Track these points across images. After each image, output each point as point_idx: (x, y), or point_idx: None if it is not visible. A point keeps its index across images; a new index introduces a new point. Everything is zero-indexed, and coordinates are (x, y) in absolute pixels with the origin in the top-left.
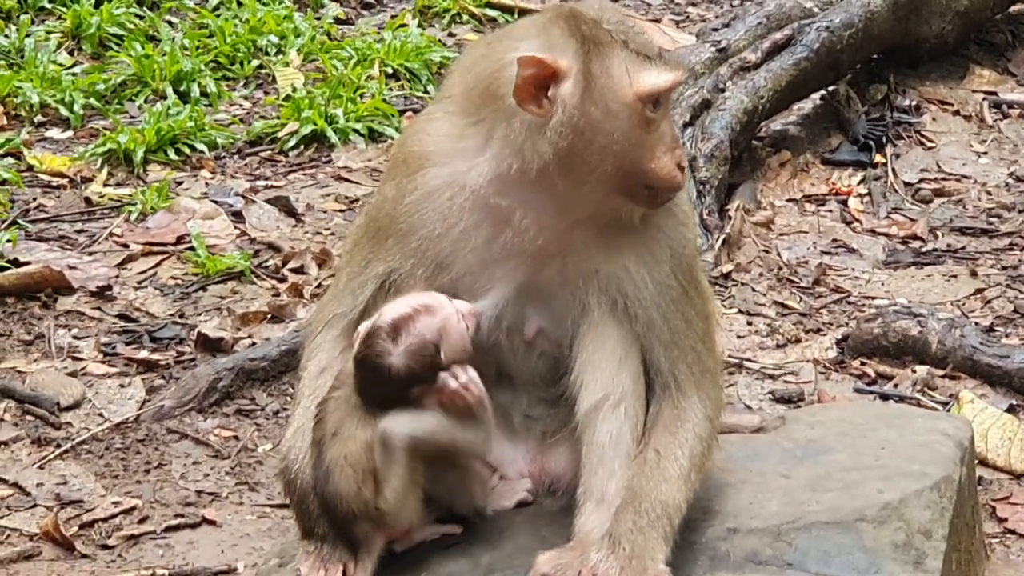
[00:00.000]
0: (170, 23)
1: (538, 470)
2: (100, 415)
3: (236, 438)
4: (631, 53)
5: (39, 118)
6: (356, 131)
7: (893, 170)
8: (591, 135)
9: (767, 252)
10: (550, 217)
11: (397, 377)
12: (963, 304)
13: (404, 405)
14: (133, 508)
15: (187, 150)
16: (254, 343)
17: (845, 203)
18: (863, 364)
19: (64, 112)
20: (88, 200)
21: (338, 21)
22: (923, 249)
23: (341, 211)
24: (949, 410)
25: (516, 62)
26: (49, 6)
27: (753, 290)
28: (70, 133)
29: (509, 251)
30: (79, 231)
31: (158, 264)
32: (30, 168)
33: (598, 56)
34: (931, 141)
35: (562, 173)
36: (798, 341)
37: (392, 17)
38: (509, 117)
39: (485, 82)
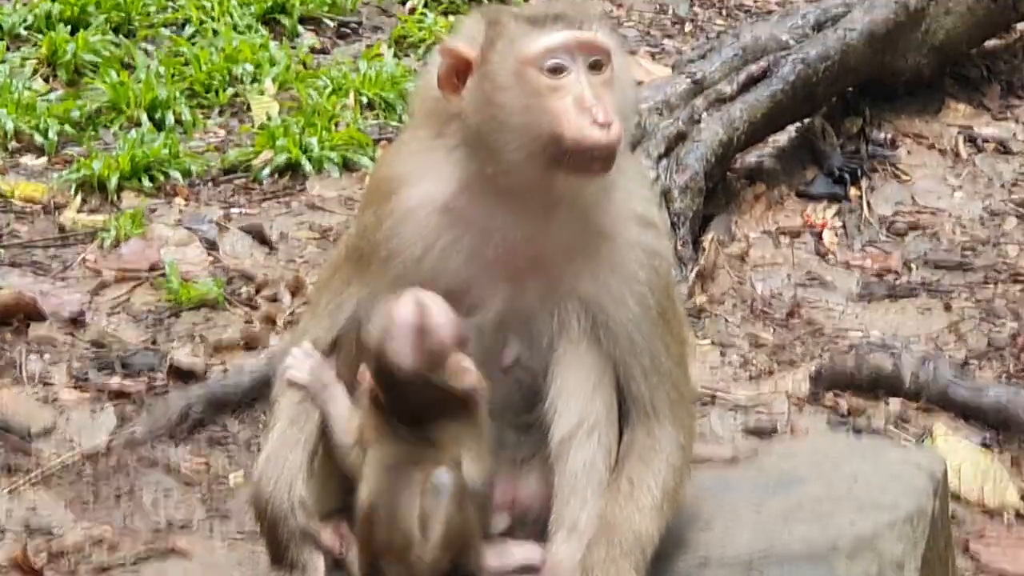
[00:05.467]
0: (146, 51)
1: (509, 498)
2: (71, 442)
3: (208, 467)
4: (520, 22)
5: (13, 144)
6: (331, 160)
7: (868, 203)
8: (491, 112)
9: (741, 284)
10: (519, 216)
11: (415, 374)
12: (937, 338)
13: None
14: (103, 537)
15: (161, 178)
16: (227, 371)
17: (819, 236)
18: (836, 397)
19: (38, 139)
20: (62, 227)
21: (313, 51)
22: (897, 282)
23: (315, 240)
24: (923, 444)
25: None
26: (25, 33)
27: (726, 322)
28: (44, 160)
29: (493, 267)
30: (52, 257)
31: (131, 291)
32: (3, 194)
33: (492, 35)
34: (906, 175)
35: (489, 158)
36: (771, 374)
37: (368, 47)
38: (458, 118)
39: (433, 93)
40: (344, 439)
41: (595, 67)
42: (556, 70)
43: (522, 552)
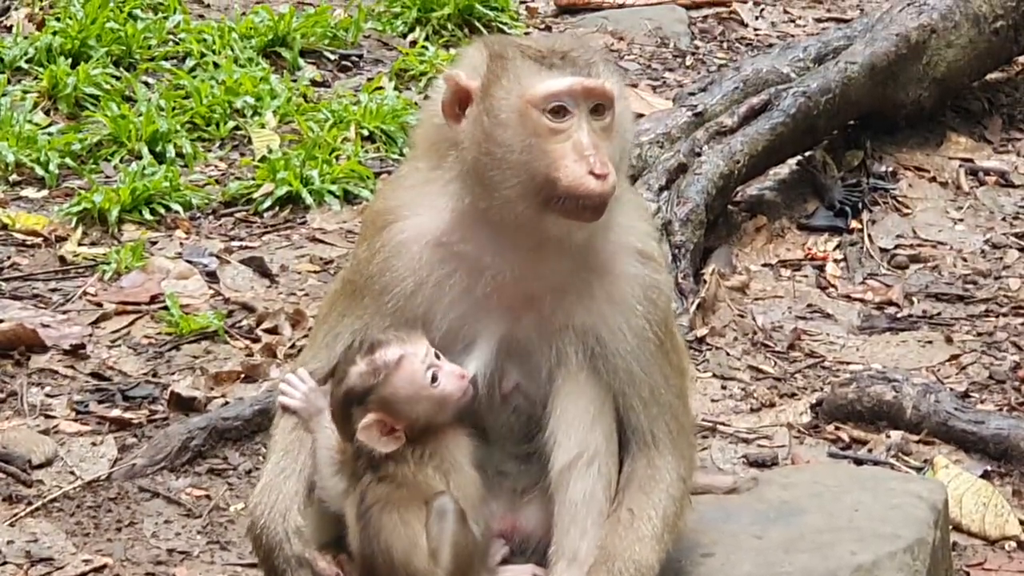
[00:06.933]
0: (146, 84)
1: (510, 528)
2: (72, 473)
3: (208, 497)
4: (527, 61)
5: (14, 177)
6: (331, 193)
7: (869, 236)
8: (488, 147)
9: (742, 317)
10: (512, 251)
11: (347, 392)
12: (938, 370)
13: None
14: (104, 566)
15: (162, 210)
16: (227, 403)
17: (821, 268)
18: (837, 429)
19: (39, 171)
20: (62, 259)
21: (314, 83)
22: (898, 315)
23: (315, 272)
24: (924, 475)
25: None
26: (26, 66)
27: (727, 354)
28: (45, 192)
29: (487, 301)
30: (53, 290)
31: (132, 323)
32: (4, 227)
33: (497, 69)
34: (907, 207)
35: (483, 192)
36: (772, 406)
37: (369, 80)
38: (457, 147)
39: (435, 122)
40: (326, 468)
41: (596, 111)
42: (558, 112)
43: (516, 571)
